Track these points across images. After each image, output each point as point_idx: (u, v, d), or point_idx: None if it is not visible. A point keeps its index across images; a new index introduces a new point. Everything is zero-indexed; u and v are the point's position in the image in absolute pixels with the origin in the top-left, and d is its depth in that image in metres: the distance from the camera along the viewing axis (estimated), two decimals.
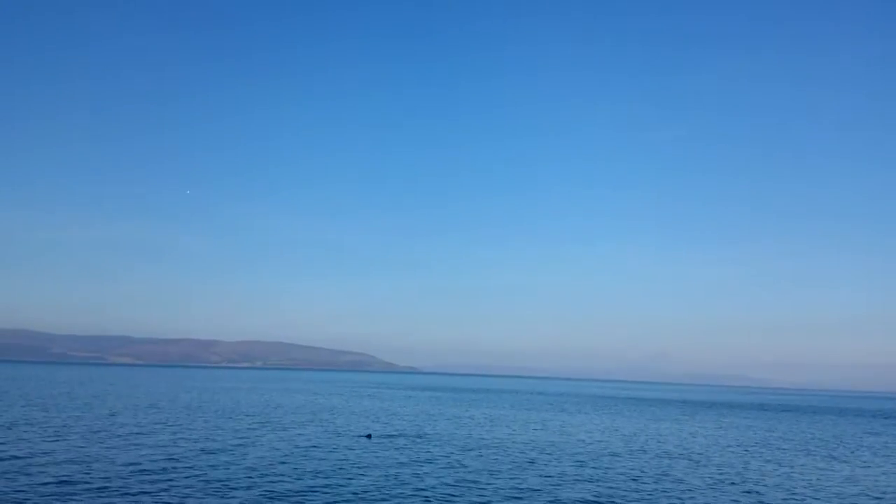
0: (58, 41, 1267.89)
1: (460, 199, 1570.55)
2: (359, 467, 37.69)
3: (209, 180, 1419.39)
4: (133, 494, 28.33)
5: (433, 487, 32.76)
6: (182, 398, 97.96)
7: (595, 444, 54.71)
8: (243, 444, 45.38)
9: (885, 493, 37.64)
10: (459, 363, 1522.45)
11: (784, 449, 58.54)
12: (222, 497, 28.56)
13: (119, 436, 47.63)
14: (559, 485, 34.99)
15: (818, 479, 41.18)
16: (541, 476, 37.43)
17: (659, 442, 59.31)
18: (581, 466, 41.75)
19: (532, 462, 42.72)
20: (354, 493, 30.52)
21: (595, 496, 32.45)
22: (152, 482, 30.89)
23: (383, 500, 29.62)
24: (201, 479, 32.25)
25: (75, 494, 27.95)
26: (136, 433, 49.68)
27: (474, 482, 34.60)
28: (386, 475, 35.46)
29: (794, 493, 35.77)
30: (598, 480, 36.85)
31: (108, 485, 29.94)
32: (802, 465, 47.58)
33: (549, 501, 30.88)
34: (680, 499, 32.68)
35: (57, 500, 26.95)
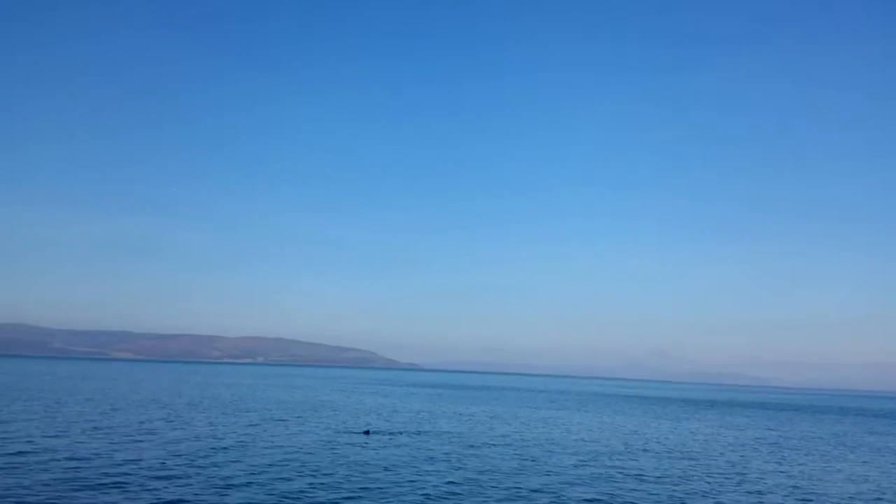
0: (57, 38, 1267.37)
1: (461, 197, 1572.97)
2: (353, 464, 37.59)
3: (211, 177, 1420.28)
4: (132, 491, 28.28)
5: (429, 485, 32.63)
6: (183, 394, 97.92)
7: (596, 443, 54.61)
8: (241, 440, 45.27)
9: (885, 493, 37.53)
10: (460, 360, 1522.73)
11: (785, 448, 58.41)
12: (217, 492, 28.49)
13: (119, 432, 47.57)
14: (559, 484, 34.87)
15: (819, 479, 41.06)
16: (541, 475, 37.33)
17: (659, 441, 59.20)
18: (582, 465, 41.65)
19: (533, 460, 42.62)
20: (347, 490, 30.44)
21: (595, 495, 32.34)
22: (151, 479, 30.81)
23: (377, 498, 29.52)
24: (198, 475, 32.16)
25: (76, 491, 27.89)
26: (137, 430, 49.62)
27: (472, 480, 34.47)
28: (380, 472, 35.35)
29: (794, 493, 35.64)
30: (598, 479, 36.74)
31: (107, 481, 29.88)
32: (803, 465, 47.44)
33: (549, 501, 30.80)
34: (680, 499, 32.58)
35: (59, 496, 26.88)
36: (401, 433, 54.83)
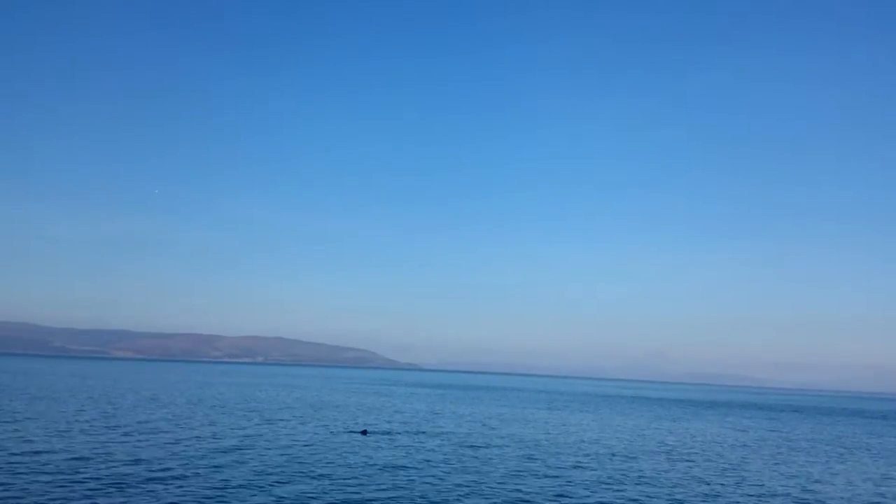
0: (59, 37, 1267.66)
1: (461, 197, 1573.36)
2: (347, 464, 37.49)
3: (211, 176, 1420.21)
4: (131, 492, 28.19)
5: (424, 487, 32.53)
6: (183, 393, 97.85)
7: (596, 444, 54.47)
8: (240, 440, 45.17)
9: (885, 495, 37.42)
10: (460, 360, 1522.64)
11: (785, 450, 58.27)
12: (215, 492, 28.40)
13: (119, 432, 47.48)
14: (557, 485, 34.77)
15: (819, 481, 40.94)
16: (540, 476, 37.20)
17: (659, 442, 59.07)
18: (581, 467, 41.53)
19: (532, 461, 42.49)
20: (339, 490, 30.33)
21: (595, 497, 32.23)
22: (150, 480, 30.72)
23: (369, 499, 29.40)
24: (196, 476, 32.09)
25: (75, 492, 27.79)
26: (136, 430, 49.52)
27: (470, 481, 34.34)
28: (374, 473, 35.24)
29: (793, 495, 35.54)
30: (597, 481, 36.60)
31: (106, 483, 29.80)
32: (803, 467, 47.31)
33: (547, 501, 30.69)
34: (680, 500, 32.45)
35: (58, 497, 26.79)
36: (399, 433, 54.71)
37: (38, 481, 29.02)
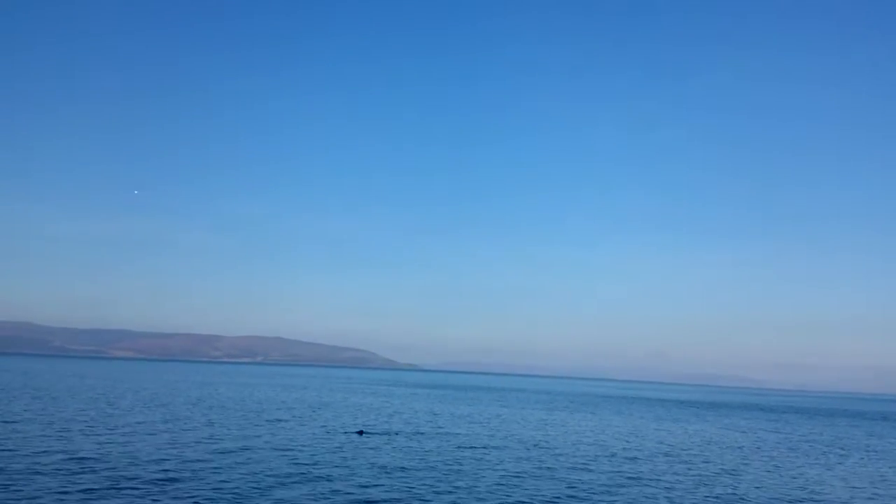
0: (59, 37, 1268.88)
1: (461, 197, 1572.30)
2: (343, 465, 37.22)
3: (211, 175, 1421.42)
4: (130, 493, 27.97)
5: (420, 487, 32.26)
6: (182, 393, 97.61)
7: (595, 445, 54.23)
8: (239, 439, 44.92)
9: (883, 497, 37.17)
10: (459, 361, 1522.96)
11: (784, 451, 58.03)
12: (207, 491, 28.14)
13: (118, 432, 47.29)
14: (556, 486, 34.52)
15: (818, 482, 40.70)
16: (539, 478, 36.95)
17: (659, 442, 58.83)
18: (580, 468, 41.28)
19: (530, 462, 42.25)
20: (334, 489, 30.07)
21: (594, 498, 31.96)
22: (148, 482, 30.48)
23: (364, 499, 29.13)
24: (192, 474, 31.85)
25: (74, 493, 27.54)
26: (135, 430, 49.33)
27: (467, 483, 34.09)
28: (368, 473, 34.97)
29: (793, 496, 35.29)
30: (596, 482, 36.37)
31: (105, 484, 29.56)
32: (802, 468, 47.09)
33: (546, 501, 30.42)
34: (679, 502, 32.20)
35: (57, 498, 26.53)
36: (395, 434, 54.43)
37: (37, 481, 28.75)
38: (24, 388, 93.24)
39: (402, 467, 37.43)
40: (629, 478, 38.13)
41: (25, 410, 59.24)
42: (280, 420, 61.54)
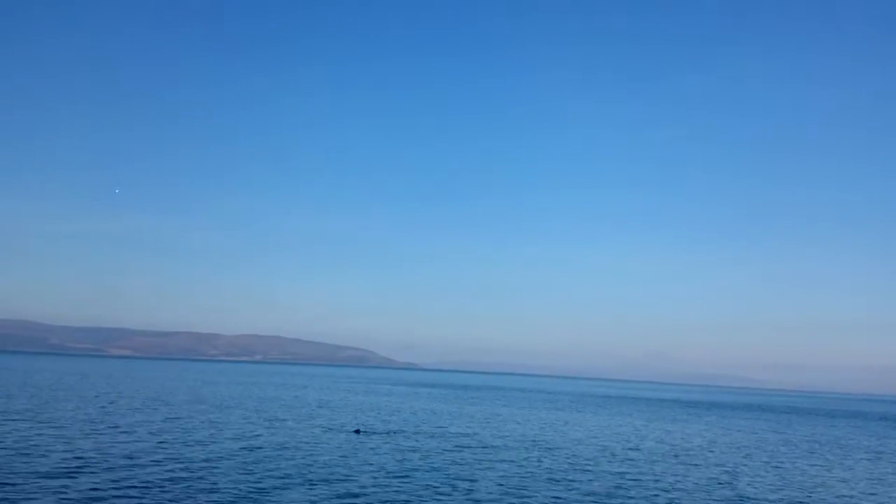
0: (61, 34, 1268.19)
1: (461, 196, 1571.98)
2: (340, 464, 36.93)
3: (211, 175, 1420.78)
4: (129, 489, 27.74)
5: (416, 488, 31.95)
6: (180, 392, 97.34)
7: (594, 445, 54.01)
8: (236, 440, 44.72)
9: (883, 497, 36.92)
10: (458, 360, 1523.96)
11: (784, 451, 57.87)
12: (206, 492, 27.85)
13: (116, 431, 47.11)
14: (554, 487, 34.25)
15: (817, 483, 40.51)
16: (537, 478, 36.69)
17: (659, 442, 58.62)
18: (579, 468, 41.04)
19: (530, 460, 42.00)
20: (326, 489, 29.77)
21: (594, 498, 31.68)
22: (148, 484, 30.25)
23: (360, 497, 28.83)
24: (190, 474, 31.64)
25: (72, 494, 27.25)
26: (133, 429, 49.13)
27: (464, 485, 33.81)
28: (363, 472, 34.68)
29: (792, 496, 35.07)
30: (596, 482, 36.17)
31: (103, 485, 29.33)
32: (801, 468, 46.93)
33: (546, 502, 30.12)
34: (679, 501, 31.94)
35: (55, 498, 26.23)
36: (392, 433, 54.15)
37: (35, 482, 28.49)
38: (22, 386, 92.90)
39: (400, 467, 37.14)
40: (629, 478, 37.88)
41: (22, 409, 58.93)
42: (279, 419, 61.27)
